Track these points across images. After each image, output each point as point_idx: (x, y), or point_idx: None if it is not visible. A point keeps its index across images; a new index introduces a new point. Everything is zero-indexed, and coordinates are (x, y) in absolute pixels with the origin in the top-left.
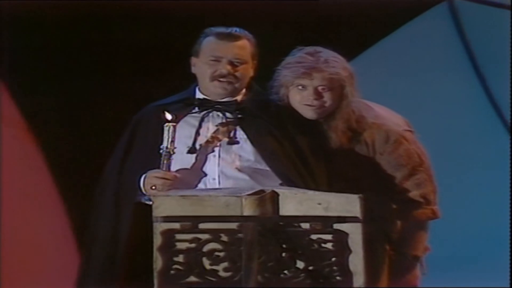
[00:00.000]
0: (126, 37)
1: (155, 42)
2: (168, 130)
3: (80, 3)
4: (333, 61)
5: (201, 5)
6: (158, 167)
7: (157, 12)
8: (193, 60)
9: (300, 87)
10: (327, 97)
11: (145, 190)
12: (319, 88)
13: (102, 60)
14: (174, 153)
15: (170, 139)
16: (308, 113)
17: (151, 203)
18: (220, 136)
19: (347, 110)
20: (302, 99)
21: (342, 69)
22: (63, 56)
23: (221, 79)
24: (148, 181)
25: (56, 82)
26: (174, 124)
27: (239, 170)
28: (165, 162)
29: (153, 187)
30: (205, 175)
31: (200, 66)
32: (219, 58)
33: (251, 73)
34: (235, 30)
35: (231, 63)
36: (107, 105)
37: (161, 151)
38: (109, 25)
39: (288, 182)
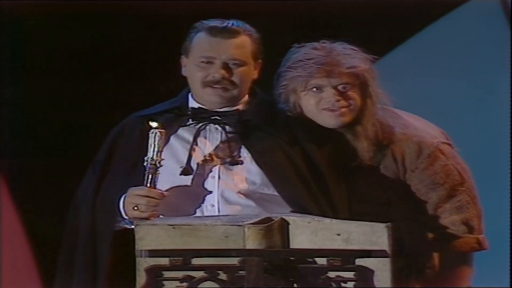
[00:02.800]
0: (126, 38)
1: (153, 41)
2: (154, 138)
3: (81, 3)
4: (347, 53)
5: (200, 3)
6: (142, 185)
7: (154, 11)
8: (183, 60)
9: (314, 90)
10: (351, 96)
11: (125, 212)
12: (340, 87)
13: (101, 62)
14: (161, 165)
15: (156, 149)
16: (330, 121)
17: (132, 227)
18: (220, 154)
19: (374, 111)
20: (319, 103)
21: (361, 61)
22: (62, 56)
23: (215, 86)
24: (130, 200)
25: (56, 81)
26: (162, 130)
27: (244, 195)
28: (150, 177)
29: (135, 208)
30: (202, 201)
31: (190, 69)
32: (212, 60)
33: (253, 75)
34: (231, 23)
35: (225, 66)
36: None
37: (145, 163)
38: (109, 25)
39: (301, 210)
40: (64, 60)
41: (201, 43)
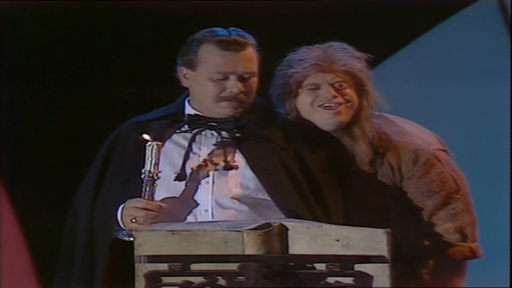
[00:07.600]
0: (127, 39)
1: (156, 44)
2: (151, 150)
3: (81, 3)
4: (342, 51)
5: (197, 4)
6: (139, 196)
7: (155, 11)
8: (185, 71)
9: (310, 88)
10: (348, 93)
11: (123, 223)
12: (336, 85)
13: (101, 62)
14: (158, 178)
15: (153, 161)
16: (327, 119)
17: (131, 239)
18: (215, 160)
19: (370, 111)
20: (315, 100)
21: (355, 59)
22: (62, 57)
23: (231, 100)
24: (127, 212)
25: (55, 82)
26: (159, 143)
27: (238, 200)
28: (147, 189)
29: (134, 220)
30: (196, 205)
31: (200, 83)
32: (227, 75)
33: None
34: (235, 33)
35: (241, 78)
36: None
37: (142, 176)
38: (109, 26)
39: (294, 216)
40: (64, 61)
41: (213, 58)
